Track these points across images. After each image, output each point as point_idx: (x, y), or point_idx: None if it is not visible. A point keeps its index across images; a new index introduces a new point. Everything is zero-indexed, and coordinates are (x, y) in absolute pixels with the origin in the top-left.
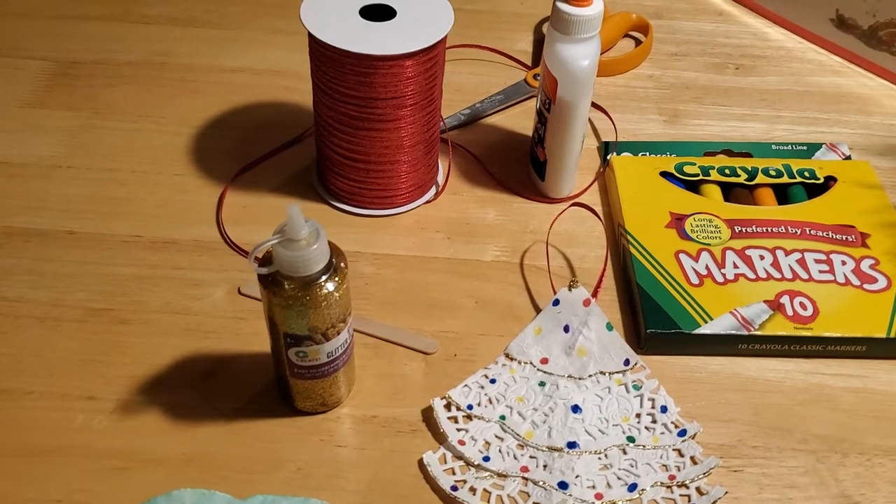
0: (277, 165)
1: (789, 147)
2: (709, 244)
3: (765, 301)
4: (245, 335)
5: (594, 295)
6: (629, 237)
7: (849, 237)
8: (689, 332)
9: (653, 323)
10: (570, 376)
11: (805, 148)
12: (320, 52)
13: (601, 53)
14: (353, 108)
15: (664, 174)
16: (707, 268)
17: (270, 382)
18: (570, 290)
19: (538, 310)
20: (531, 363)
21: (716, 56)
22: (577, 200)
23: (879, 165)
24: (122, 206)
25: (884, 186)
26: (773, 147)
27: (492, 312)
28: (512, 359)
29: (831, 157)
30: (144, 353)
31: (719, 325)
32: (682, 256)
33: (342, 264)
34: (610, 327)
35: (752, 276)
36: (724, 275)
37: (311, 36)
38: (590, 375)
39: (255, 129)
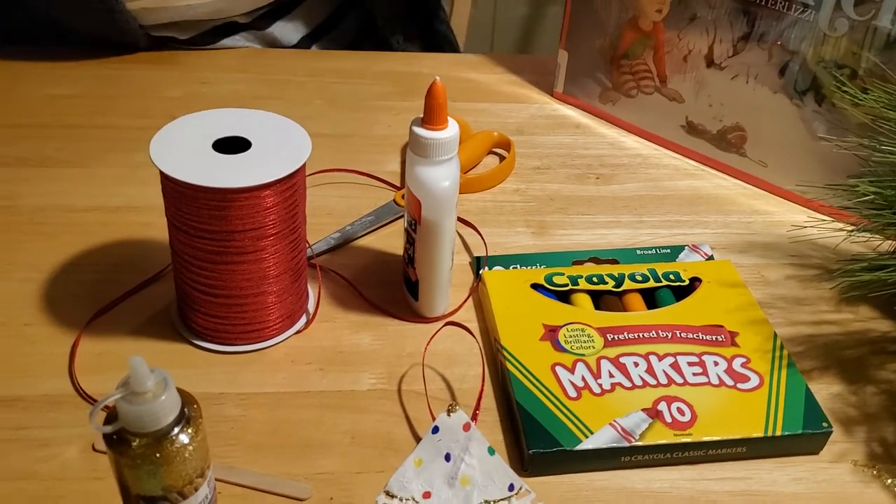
0: (135, 307)
1: (653, 251)
2: (583, 354)
3: (643, 410)
4: (100, 497)
5: (473, 417)
6: (505, 353)
7: (718, 337)
8: (570, 448)
9: (534, 442)
10: None
11: (669, 251)
12: (173, 189)
13: (467, 172)
14: (210, 242)
15: (535, 286)
16: (583, 379)
17: None
18: (448, 415)
19: (418, 439)
20: (413, 499)
21: (577, 167)
22: (450, 319)
23: (741, 262)
24: None
25: (746, 283)
26: (638, 252)
27: (369, 447)
28: (392, 496)
29: (695, 258)
30: None
31: (600, 438)
32: (558, 369)
33: (195, 412)
34: (492, 451)
35: (628, 384)
36: (600, 385)
37: (162, 172)
38: None
39: (111, 270)
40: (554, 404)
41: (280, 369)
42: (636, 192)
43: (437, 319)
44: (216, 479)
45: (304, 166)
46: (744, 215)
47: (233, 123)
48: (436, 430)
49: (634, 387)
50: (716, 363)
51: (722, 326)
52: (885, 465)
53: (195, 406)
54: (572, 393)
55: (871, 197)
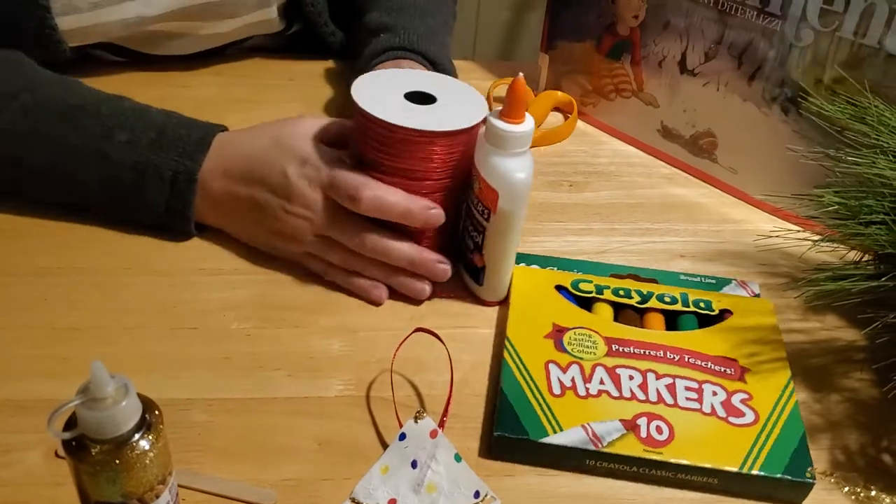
0: None
1: (699, 279)
2: (581, 358)
3: (620, 420)
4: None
5: (441, 424)
6: (507, 343)
7: (728, 370)
8: (535, 440)
9: (502, 426)
10: None
11: (714, 281)
12: (365, 126)
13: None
14: (387, 177)
15: (559, 288)
16: (573, 380)
17: None
18: (416, 421)
19: (386, 446)
20: None
21: (552, 174)
22: (421, 326)
23: (710, 270)
24: None
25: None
26: (682, 277)
27: (336, 454)
28: (358, 503)
29: (739, 293)
30: None
31: (568, 437)
32: (551, 366)
33: (156, 419)
34: (458, 458)
35: (615, 393)
36: (587, 389)
37: (361, 111)
38: None
39: None
40: (535, 397)
41: (248, 375)
42: (609, 199)
43: (496, 304)
44: (181, 486)
45: (477, 126)
46: (714, 223)
47: (419, 81)
48: (403, 436)
49: (621, 398)
50: (714, 393)
51: (735, 361)
52: (843, 473)
53: (156, 412)
54: (557, 390)
55: (836, 207)
